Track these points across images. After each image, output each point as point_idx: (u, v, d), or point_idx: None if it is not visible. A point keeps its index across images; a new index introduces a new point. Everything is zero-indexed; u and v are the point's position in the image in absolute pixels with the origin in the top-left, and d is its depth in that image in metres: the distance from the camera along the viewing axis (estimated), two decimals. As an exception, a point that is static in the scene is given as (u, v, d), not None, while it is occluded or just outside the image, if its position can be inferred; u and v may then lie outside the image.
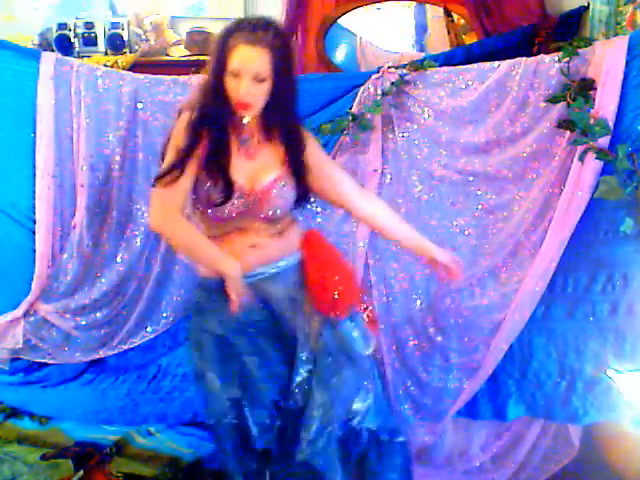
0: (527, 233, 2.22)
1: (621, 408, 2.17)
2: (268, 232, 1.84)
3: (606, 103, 2.01)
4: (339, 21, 3.78)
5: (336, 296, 1.85)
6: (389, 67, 2.35)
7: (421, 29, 4.21)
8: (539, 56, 2.20)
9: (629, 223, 2.03)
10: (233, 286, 1.76)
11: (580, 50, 2.07)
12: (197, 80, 2.35)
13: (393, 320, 2.41)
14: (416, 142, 2.35)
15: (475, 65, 2.28)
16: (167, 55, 3.83)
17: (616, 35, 2.46)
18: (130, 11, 3.87)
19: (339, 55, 4.01)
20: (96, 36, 3.65)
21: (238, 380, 1.87)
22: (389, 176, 2.40)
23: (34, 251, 2.55)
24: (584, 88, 2.05)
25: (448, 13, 3.68)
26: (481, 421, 2.42)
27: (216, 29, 3.57)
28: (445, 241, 2.33)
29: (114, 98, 2.48)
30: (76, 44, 3.62)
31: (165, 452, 2.48)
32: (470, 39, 3.57)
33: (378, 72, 2.36)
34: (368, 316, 2.03)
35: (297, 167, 1.83)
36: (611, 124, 2.00)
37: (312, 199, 1.99)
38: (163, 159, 1.79)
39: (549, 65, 2.13)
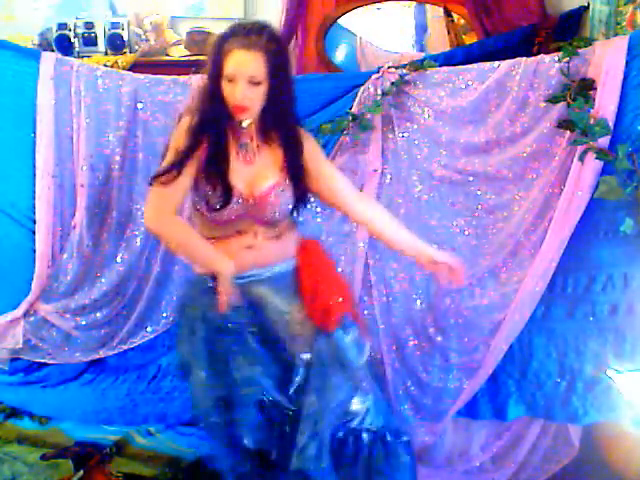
0: (527, 233, 2.22)
1: (621, 408, 2.17)
2: (266, 235, 1.86)
3: (606, 103, 2.01)
4: (339, 21, 3.78)
5: (328, 306, 1.86)
6: (389, 67, 2.35)
7: (421, 29, 4.20)
8: (539, 56, 2.20)
9: (629, 223, 2.03)
10: (224, 285, 1.78)
11: (580, 50, 2.07)
12: (197, 80, 2.36)
13: (393, 320, 2.41)
14: (416, 142, 2.35)
15: (475, 65, 2.28)
16: (167, 55, 3.82)
17: (616, 35, 2.46)
18: (130, 11, 3.87)
19: (339, 55, 4.01)
20: (96, 36, 3.65)
21: (223, 379, 1.88)
22: (389, 176, 2.40)
23: (34, 251, 2.55)
24: (584, 88, 2.05)
25: (448, 13, 3.68)
26: (481, 421, 2.42)
27: (216, 29, 3.58)
28: (445, 241, 2.33)
29: (114, 98, 2.48)
30: (76, 44, 3.62)
31: (165, 452, 2.48)
32: (470, 39, 3.57)
33: (378, 72, 2.36)
34: (359, 324, 2.02)
35: (295, 171, 1.84)
36: (611, 124, 2.00)
37: (312, 199, 2.00)
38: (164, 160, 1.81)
39: (549, 65, 2.13)
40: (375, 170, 2.39)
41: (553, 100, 2.10)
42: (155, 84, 2.49)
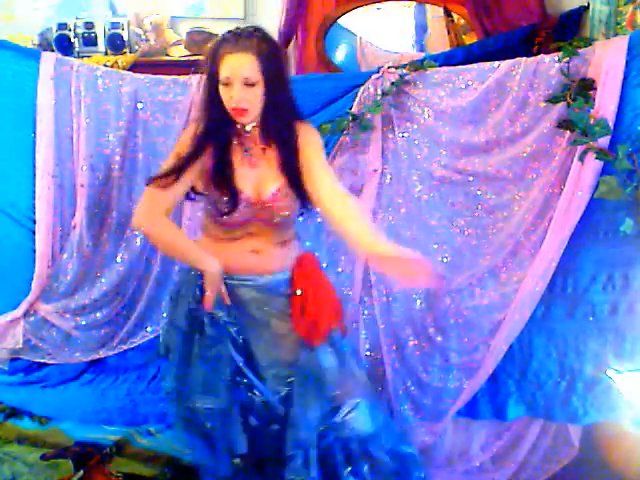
0: (527, 233, 2.22)
1: (621, 408, 2.18)
2: (274, 239, 1.89)
3: (606, 103, 2.01)
4: (339, 21, 3.78)
5: (315, 322, 1.89)
6: (389, 67, 2.35)
7: (421, 29, 4.20)
8: (539, 56, 2.20)
9: (629, 223, 2.03)
10: (210, 283, 1.83)
11: (580, 50, 2.07)
12: (197, 80, 2.37)
13: (393, 320, 2.41)
14: (416, 142, 2.35)
15: (475, 65, 2.28)
16: (167, 55, 3.83)
17: (616, 35, 2.46)
18: (130, 11, 3.87)
19: (339, 55, 4.01)
20: (96, 36, 3.65)
21: (193, 373, 1.92)
22: (389, 176, 2.40)
23: (34, 251, 2.55)
24: (584, 88, 2.05)
25: (448, 13, 3.68)
26: (481, 421, 2.42)
27: (216, 29, 3.59)
28: (445, 241, 2.33)
29: (114, 98, 2.48)
30: (76, 44, 3.62)
31: (165, 452, 2.48)
32: (470, 39, 3.57)
33: (378, 72, 2.36)
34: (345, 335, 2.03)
35: (291, 170, 1.84)
36: (611, 124, 2.00)
37: None
38: None
39: (549, 65, 2.13)
40: (375, 170, 2.39)
41: (553, 100, 2.10)
42: (155, 84, 2.49)
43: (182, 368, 1.93)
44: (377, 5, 3.89)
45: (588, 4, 2.80)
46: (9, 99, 2.50)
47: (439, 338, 2.36)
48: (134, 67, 3.42)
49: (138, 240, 2.55)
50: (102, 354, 2.64)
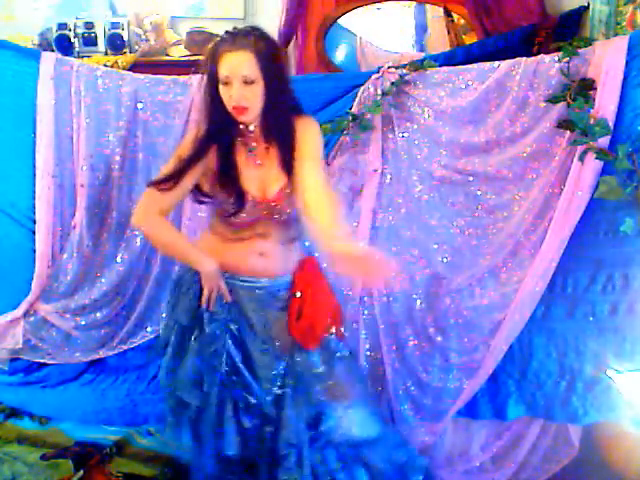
0: (527, 233, 2.22)
1: (621, 408, 2.17)
2: (280, 238, 1.89)
3: (606, 103, 2.01)
4: (339, 21, 3.78)
5: (311, 327, 1.90)
6: (389, 67, 2.35)
7: (421, 29, 4.20)
8: (539, 56, 2.20)
9: (629, 223, 2.03)
10: (207, 282, 1.87)
11: (580, 50, 2.07)
12: (197, 80, 2.37)
13: (393, 320, 2.41)
14: (416, 142, 2.35)
15: (475, 65, 2.28)
16: (167, 55, 3.82)
17: (616, 35, 2.46)
18: (130, 11, 3.87)
19: (339, 55, 4.01)
20: (96, 36, 3.65)
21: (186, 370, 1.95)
22: (389, 176, 2.40)
23: (34, 251, 2.55)
24: (584, 88, 2.05)
25: (448, 13, 3.68)
26: (481, 421, 2.42)
27: (216, 29, 3.58)
28: (445, 241, 2.33)
29: (114, 98, 2.48)
30: (76, 44, 3.62)
31: (165, 452, 2.48)
32: (470, 39, 3.57)
33: (378, 72, 2.36)
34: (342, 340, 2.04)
35: (292, 170, 1.84)
36: (611, 124, 2.00)
37: None
38: None
39: (549, 65, 2.13)
40: (375, 170, 2.39)
41: (553, 100, 2.10)
42: (155, 84, 2.49)
43: (175, 361, 1.96)
44: (377, 5, 3.89)
45: (588, 4, 2.80)
46: (9, 99, 2.50)
47: (439, 338, 2.36)
48: (134, 67, 3.42)
49: (138, 240, 2.55)
50: (102, 354, 2.65)
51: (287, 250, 1.93)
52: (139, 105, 2.48)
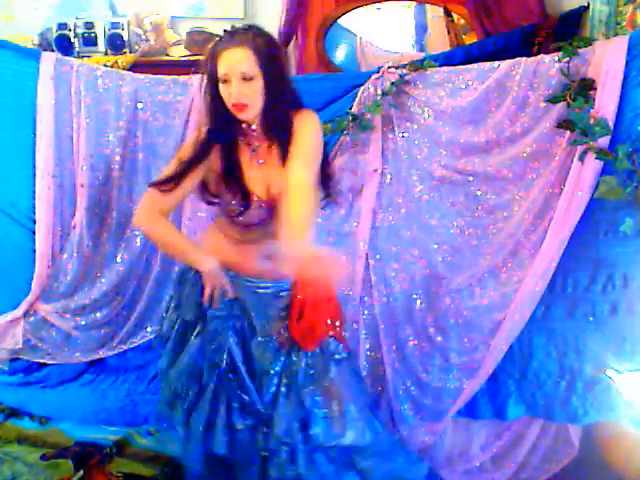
0: (527, 233, 2.22)
1: (621, 408, 2.17)
2: None
3: (606, 103, 2.01)
4: (339, 21, 3.78)
5: (310, 329, 1.90)
6: (389, 67, 2.35)
7: (421, 29, 4.20)
8: (539, 56, 2.20)
9: (629, 223, 2.03)
10: (208, 280, 1.89)
11: (580, 50, 2.07)
12: (197, 80, 2.36)
13: (393, 320, 2.41)
14: (416, 142, 2.35)
15: (475, 65, 2.28)
16: (167, 55, 3.82)
17: (616, 35, 2.46)
18: (130, 11, 3.87)
19: (339, 55, 4.01)
20: (96, 36, 3.65)
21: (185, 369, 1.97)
22: (389, 176, 2.40)
23: (34, 251, 2.55)
24: (584, 88, 2.05)
25: (448, 13, 3.68)
26: (481, 421, 2.42)
27: (216, 29, 3.58)
28: (445, 241, 2.33)
29: (114, 98, 2.48)
30: (76, 44, 3.62)
31: (165, 452, 2.48)
32: (470, 39, 3.57)
33: (378, 72, 2.36)
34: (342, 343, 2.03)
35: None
36: (611, 124, 2.00)
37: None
38: None
39: (549, 65, 2.13)
40: (375, 170, 2.39)
41: (553, 100, 2.10)
42: (155, 84, 2.49)
43: (175, 356, 1.98)
44: (377, 5, 3.89)
45: (588, 4, 2.80)
46: (9, 99, 2.50)
47: (439, 338, 2.36)
48: (134, 67, 3.42)
49: (138, 240, 2.55)
50: (102, 354, 2.65)
51: None
52: (139, 105, 2.48)
